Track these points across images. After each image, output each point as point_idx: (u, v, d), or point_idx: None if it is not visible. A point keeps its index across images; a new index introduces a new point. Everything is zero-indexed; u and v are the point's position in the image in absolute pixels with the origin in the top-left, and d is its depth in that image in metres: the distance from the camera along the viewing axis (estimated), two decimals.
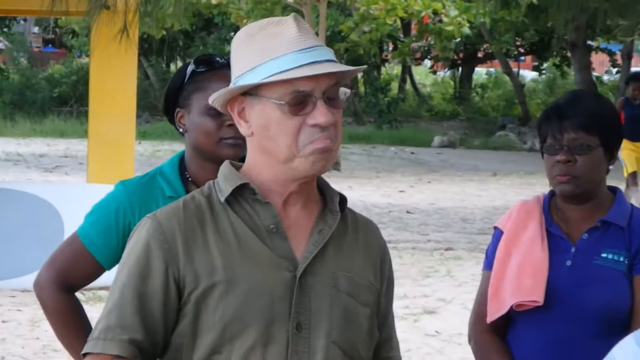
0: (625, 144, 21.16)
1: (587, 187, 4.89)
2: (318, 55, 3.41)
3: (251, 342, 3.37)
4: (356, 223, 3.75)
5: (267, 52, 3.44)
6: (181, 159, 4.78)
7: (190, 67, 4.96)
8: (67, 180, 22.73)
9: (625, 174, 21.22)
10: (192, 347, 3.41)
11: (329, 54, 3.45)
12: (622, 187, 10.61)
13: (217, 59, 5.10)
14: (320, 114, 3.36)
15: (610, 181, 5.06)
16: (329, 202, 3.63)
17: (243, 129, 3.54)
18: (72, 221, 14.65)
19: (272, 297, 3.42)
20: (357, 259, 3.66)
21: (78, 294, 4.75)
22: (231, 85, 3.53)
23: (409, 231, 20.13)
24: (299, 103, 3.37)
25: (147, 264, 3.39)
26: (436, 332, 12.07)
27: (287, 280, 3.45)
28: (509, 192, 24.12)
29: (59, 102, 44.72)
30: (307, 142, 3.38)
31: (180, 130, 4.75)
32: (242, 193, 3.51)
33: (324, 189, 3.69)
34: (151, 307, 3.36)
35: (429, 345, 11.60)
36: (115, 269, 3.77)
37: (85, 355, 3.37)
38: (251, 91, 3.46)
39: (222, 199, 3.50)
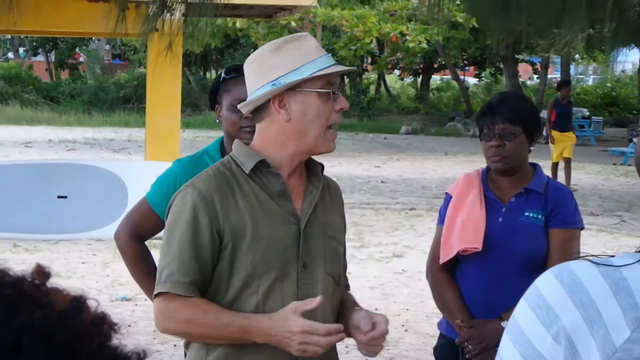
0: (556, 135, 21.81)
1: (513, 164, 4.99)
2: (331, 60, 3.67)
3: (273, 278, 3.55)
4: (327, 184, 3.89)
5: (303, 57, 3.57)
6: (221, 142, 4.90)
7: (222, 75, 5.05)
8: (130, 158, 22.66)
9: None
10: (228, 282, 3.54)
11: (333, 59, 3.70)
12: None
13: (240, 68, 5.26)
14: (343, 101, 3.65)
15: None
16: (313, 170, 3.79)
17: (281, 116, 3.55)
18: (134, 188, 14.77)
19: (285, 244, 3.60)
20: (332, 210, 3.85)
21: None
22: (272, 85, 3.54)
23: (382, 196, 20.11)
24: (332, 92, 3.58)
25: (197, 221, 3.50)
26: (402, 270, 12.05)
27: (294, 231, 3.63)
28: (456, 167, 24.07)
29: (123, 101, 44.73)
30: (327, 124, 3.61)
31: (217, 120, 4.92)
32: (259, 166, 3.60)
33: (309, 162, 3.80)
34: (203, 254, 3.50)
35: (398, 280, 11.57)
36: None
37: (156, 295, 3.52)
38: (294, 87, 3.54)
39: (247, 171, 3.60)
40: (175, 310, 3.46)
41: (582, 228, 5.08)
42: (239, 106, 3.81)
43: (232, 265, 3.52)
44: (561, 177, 19.74)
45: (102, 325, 0.89)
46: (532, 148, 5.05)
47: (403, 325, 9.43)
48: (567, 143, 21.91)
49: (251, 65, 3.67)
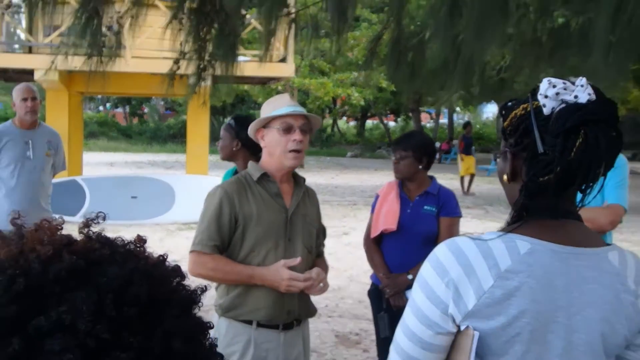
0: (464, 157, 22.07)
1: (404, 175, 5.01)
2: (298, 109, 3.70)
3: (269, 247, 3.60)
4: (308, 190, 3.90)
5: (275, 107, 3.67)
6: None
7: (231, 121, 5.16)
8: (176, 173, 22.53)
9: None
10: (240, 248, 3.60)
11: (303, 109, 3.74)
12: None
13: (241, 116, 5.34)
14: (297, 134, 3.61)
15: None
16: (298, 180, 3.85)
17: (262, 144, 3.71)
18: (178, 192, 14.79)
19: (278, 226, 3.65)
20: (310, 206, 3.87)
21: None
22: (254, 124, 3.71)
23: (336, 196, 20.03)
24: (288, 129, 3.61)
25: (221, 209, 3.57)
26: (348, 243, 11.99)
27: (284, 218, 3.67)
28: (383, 178, 23.99)
29: (172, 137, 44.45)
30: (286, 149, 3.62)
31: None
32: (262, 176, 3.67)
33: (295, 175, 3.84)
34: (223, 229, 3.56)
35: (345, 249, 11.51)
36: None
37: (191, 252, 3.58)
38: (266, 125, 3.66)
39: (255, 179, 3.67)
40: (204, 262, 3.53)
41: (461, 216, 5.06)
42: (249, 130, 3.86)
43: (242, 237, 3.58)
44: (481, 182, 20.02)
45: (177, 271, 0.93)
46: (420, 167, 4.97)
47: (349, 278, 9.47)
48: (471, 162, 22.24)
49: (261, 113, 3.81)
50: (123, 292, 0.84)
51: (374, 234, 5.08)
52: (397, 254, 5.00)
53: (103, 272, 0.86)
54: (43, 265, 0.85)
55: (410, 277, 4.90)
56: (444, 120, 46.78)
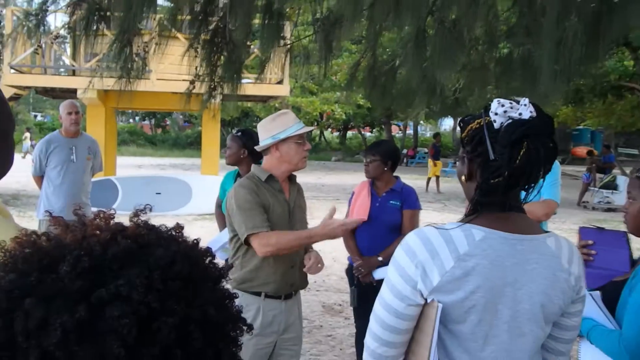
0: (432, 162, 22.02)
1: (373, 175, 5.02)
2: (302, 125, 3.71)
3: (280, 228, 3.58)
4: (299, 187, 3.91)
5: (288, 124, 3.65)
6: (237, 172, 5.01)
7: (238, 133, 5.26)
8: (193, 173, 22.41)
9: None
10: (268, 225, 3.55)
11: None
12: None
13: (246, 130, 5.42)
14: (307, 145, 3.71)
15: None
16: (293, 179, 3.85)
17: (277, 154, 3.66)
18: (195, 189, 14.69)
19: (284, 215, 3.67)
20: (300, 199, 3.89)
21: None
22: (274, 139, 3.63)
23: (323, 192, 19.91)
24: (302, 141, 3.65)
25: (254, 197, 3.54)
26: None
27: (287, 210, 3.69)
28: (361, 178, 24.12)
29: (190, 144, 44.17)
30: (302, 156, 3.68)
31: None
32: (268, 177, 3.66)
33: (290, 175, 3.81)
34: (264, 210, 3.55)
35: None
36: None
37: (251, 237, 3.47)
38: (283, 139, 3.62)
39: (263, 179, 3.65)
40: (267, 238, 3.43)
41: (420, 209, 5.07)
42: (256, 148, 3.81)
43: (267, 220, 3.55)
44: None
45: (209, 251, 0.94)
46: (386, 169, 4.99)
47: (333, 259, 9.45)
48: (439, 167, 22.19)
49: (260, 127, 3.73)
50: (168, 269, 0.85)
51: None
52: (367, 239, 5.01)
53: (151, 253, 0.87)
54: (102, 248, 0.86)
55: (380, 258, 4.93)
56: (410, 131, 46.65)
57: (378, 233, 4.94)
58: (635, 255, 2.79)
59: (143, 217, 0.96)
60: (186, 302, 0.85)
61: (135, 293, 0.81)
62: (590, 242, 2.82)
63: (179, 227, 0.94)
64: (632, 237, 2.71)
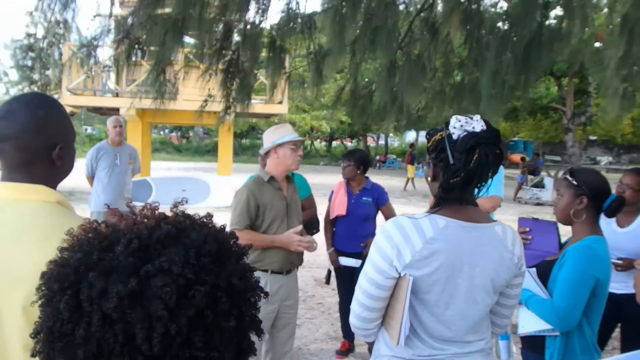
0: (410, 166, 22.00)
1: (348, 177, 4.97)
2: (296, 134, 3.64)
3: (278, 222, 3.57)
4: (295, 186, 3.83)
5: (285, 133, 3.61)
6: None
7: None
8: (211, 174, 22.33)
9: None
10: (262, 224, 3.54)
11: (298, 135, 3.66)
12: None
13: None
14: (299, 151, 3.64)
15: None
16: (290, 179, 3.78)
17: (275, 156, 3.61)
18: (214, 187, 14.59)
19: (283, 210, 3.61)
20: (295, 195, 3.80)
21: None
22: (273, 143, 3.60)
23: (313, 189, 19.76)
24: (295, 146, 3.59)
25: (249, 201, 3.50)
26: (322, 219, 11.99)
27: (285, 204, 3.64)
28: (339, 178, 24.15)
29: (208, 151, 43.89)
30: (295, 159, 3.60)
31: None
32: (270, 178, 3.61)
33: (287, 175, 3.75)
34: (251, 214, 3.49)
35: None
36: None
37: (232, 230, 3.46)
38: (281, 144, 3.58)
39: (266, 180, 3.61)
40: (241, 235, 3.35)
41: (388, 201, 5.02)
42: (260, 151, 3.81)
43: (263, 217, 3.52)
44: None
45: (233, 234, 0.94)
46: (359, 172, 4.94)
47: (321, 242, 9.40)
48: (412, 170, 22.08)
49: (265, 136, 3.72)
50: (201, 248, 0.85)
51: (331, 217, 5.05)
52: (345, 229, 4.97)
53: (187, 235, 0.87)
54: (149, 232, 0.86)
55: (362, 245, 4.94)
56: (382, 141, 46.55)
57: (353, 224, 4.92)
58: (563, 239, 2.80)
59: (181, 208, 0.96)
60: (215, 274, 0.84)
61: (175, 267, 0.81)
62: (527, 229, 2.83)
63: (209, 215, 0.94)
64: (560, 225, 2.72)
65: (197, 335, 0.81)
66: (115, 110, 15.05)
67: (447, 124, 1.87)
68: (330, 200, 5.13)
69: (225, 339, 0.84)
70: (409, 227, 1.82)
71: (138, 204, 0.94)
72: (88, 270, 0.82)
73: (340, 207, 4.97)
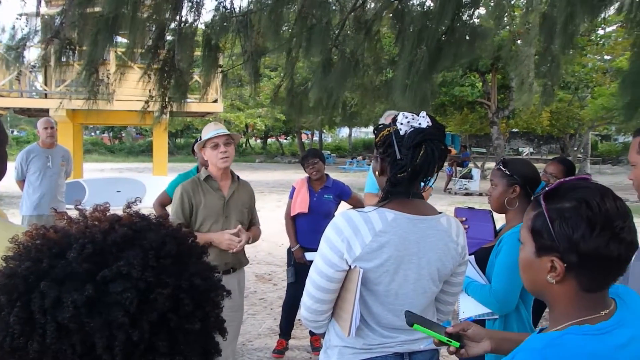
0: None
1: (317, 178, 4.93)
2: (221, 130, 3.53)
3: (212, 221, 3.53)
4: (243, 183, 3.77)
5: (207, 131, 3.56)
6: (197, 167, 4.59)
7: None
8: (146, 175, 21.84)
9: None
10: (195, 222, 3.51)
11: (225, 130, 3.57)
12: None
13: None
14: (222, 148, 3.50)
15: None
16: (234, 176, 3.71)
17: (204, 155, 3.59)
18: (150, 188, 14.22)
19: (218, 208, 3.57)
20: (243, 194, 3.73)
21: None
22: (198, 145, 3.63)
23: (270, 186, 19.78)
24: (215, 146, 3.51)
25: (183, 200, 3.48)
26: (277, 218, 11.94)
27: (222, 203, 3.58)
28: (279, 175, 23.88)
29: (142, 151, 42.53)
30: (219, 157, 3.50)
31: (196, 157, 4.53)
32: (207, 177, 3.58)
33: (232, 174, 3.70)
34: (185, 212, 3.48)
35: (277, 221, 11.42)
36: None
37: None
38: (204, 145, 3.53)
39: (202, 179, 3.57)
40: None
41: (352, 193, 5.05)
42: (194, 149, 3.83)
43: (196, 216, 3.49)
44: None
45: (191, 233, 0.90)
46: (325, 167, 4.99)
47: (262, 239, 9.33)
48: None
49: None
50: (160, 249, 0.81)
51: (293, 213, 4.99)
52: (307, 226, 4.95)
53: (145, 237, 0.82)
54: (103, 235, 0.82)
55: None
56: (316, 138, 46.42)
57: (315, 221, 4.87)
58: (498, 227, 2.87)
59: (134, 208, 0.91)
60: (177, 276, 0.81)
61: (134, 271, 0.77)
62: (463, 218, 2.88)
63: (165, 216, 0.89)
64: (495, 214, 2.79)
65: (160, 340, 0.77)
66: (44, 112, 14.45)
67: (395, 120, 1.88)
68: (291, 197, 5.05)
69: (190, 341, 0.80)
70: (358, 221, 1.81)
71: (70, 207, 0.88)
72: (39, 279, 0.76)
73: (303, 205, 4.93)
